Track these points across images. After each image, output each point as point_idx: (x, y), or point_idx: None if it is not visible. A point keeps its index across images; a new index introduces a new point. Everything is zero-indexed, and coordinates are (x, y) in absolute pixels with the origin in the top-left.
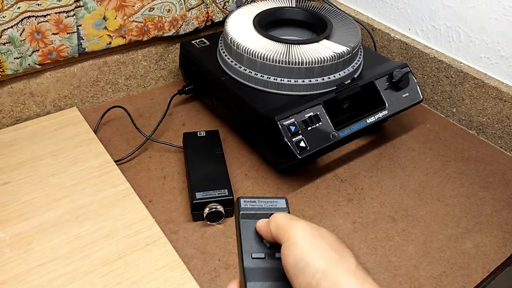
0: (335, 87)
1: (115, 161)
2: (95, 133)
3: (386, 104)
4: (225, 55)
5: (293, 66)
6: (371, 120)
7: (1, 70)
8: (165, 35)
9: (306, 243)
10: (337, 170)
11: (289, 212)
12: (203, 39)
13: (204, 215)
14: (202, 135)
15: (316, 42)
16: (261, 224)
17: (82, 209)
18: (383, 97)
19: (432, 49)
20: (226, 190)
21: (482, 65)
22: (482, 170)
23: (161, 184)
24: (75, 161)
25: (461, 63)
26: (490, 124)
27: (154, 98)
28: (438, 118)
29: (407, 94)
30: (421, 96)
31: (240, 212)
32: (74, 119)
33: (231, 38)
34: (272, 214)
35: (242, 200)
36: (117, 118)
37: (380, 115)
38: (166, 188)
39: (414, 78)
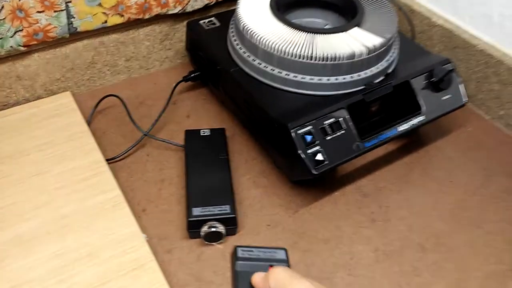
0: (363, 87)
1: (108, 160)
2: (88, 124)
3: (423, 108)
4: (236, 44)
5: (318, 62)
6: (403, 127)
7: None
8: (170, 12)
9: None
10: (360, 181)
11: (288, 265)
12: (212, 19)
13: (202, 235)
14: (206, 134)
15: (345, 31)
16: (258, 279)
17: (65, 219)
18: (420, 99)
19: (481, 40)
20: (228, 206)
21: None
22: None
23: (157, 190)
24: (63, 158)
25: None
26: None
27: (157, 82)
28: (482, 121)
29: (449, 96)
30: (465, 99)
31: (237, 262)
32: (66, 106)
33: (243, 24)
34: (270, 265)
35: (239, 249)
36: (115, 106)
37: (415, 121)
38: (163, 194)
39: (457, 77)
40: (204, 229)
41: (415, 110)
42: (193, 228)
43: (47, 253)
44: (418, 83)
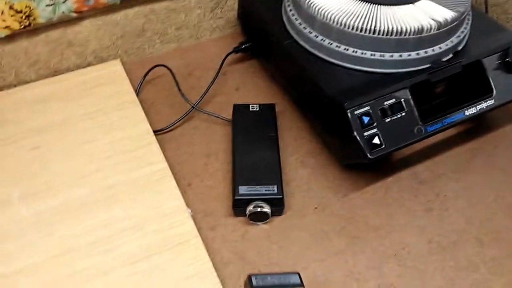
0: (429, 65)
1: (156, 131)
2: (137, 94)
3: (494, 91)
4: (292, 14)
5: (381, 36)
6: (471, 111)
7: (33, 18)
8: None
9: None
10: (416, 167)
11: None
12: None
13: (247, 214)
14: (255, 109)
15: (412, 2)
16: None
17: (112, 189)
18: (491, 81)
19: None
20: (275, 186)
21: None
22: None
23: (203, 164)
24: (111, 128)
25: None
26: None
27: (207, 52)
28: None
29: None
30: None
31: None
32: (115, 74)
33: None
34: None
35: (253, 278)
36: (163, 76)
37: (484, 105)
38: (209, 169)
39: None
40: (250, 208)
41: (486, 92)
42: (238, 206)
43: (94, 222)
44: (491, 62)
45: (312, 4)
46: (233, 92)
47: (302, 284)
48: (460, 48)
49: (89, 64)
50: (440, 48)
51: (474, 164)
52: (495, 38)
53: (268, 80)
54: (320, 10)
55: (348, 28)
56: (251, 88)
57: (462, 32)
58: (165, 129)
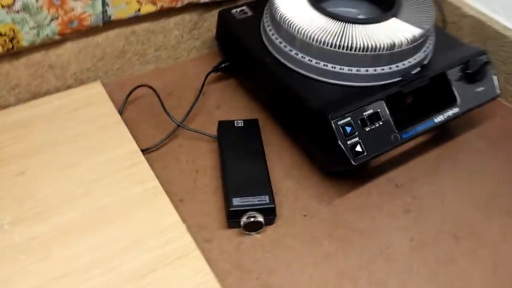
0: (400, 78)
1: (142, 151)
2: (120, 115)
3: (458, 100)
4: (272, 34)
5: (358, 52)
6: (439, 119)
7: (16, 41)
8: (202, 1)
9: None
10: (392, 173)
11: None
12: (244, 8)
13: (241, 224)
14: (239, 125)
15: (383, 21)
16: None
17: (105, 210)
18: (455, 91)
19: None
20: (267, 196)
21: None
22: None
23: (192, 180)
24: (97, 150)
25: None
26: None
27: (186, 72)
28: (510, 113)
29: (482, 88)
30: (498, 91)
31: None
32: (97, 96)
33: (280, 14)
34: None
35: None
36: (145, 96)
37: (451, 113)
38: (198, 185)
39: (492, 69)
40: (244, 219)
41: (451, 101)
42: (233, 218)
43: (90, 244)
44: (454, 74)
45: (292, 24)
46: (214, 110)
47: None
48: (426, 62)
49: (69, 87)
50: (409, 62)
51: (443, 168)
52: (455, 52)
53: (247, 98)
54: (300, 29)
55: (327, 45)
56: (232, 106)
57: (427, 47)
58: (151, 148)
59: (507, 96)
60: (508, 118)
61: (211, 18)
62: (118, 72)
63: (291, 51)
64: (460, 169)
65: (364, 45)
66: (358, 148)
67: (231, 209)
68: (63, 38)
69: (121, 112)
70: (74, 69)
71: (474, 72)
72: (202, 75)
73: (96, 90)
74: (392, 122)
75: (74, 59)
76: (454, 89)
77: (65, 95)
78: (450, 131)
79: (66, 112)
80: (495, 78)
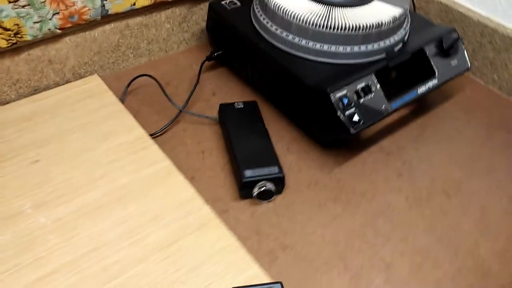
0: (385, 55)
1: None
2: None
3: (436, 73)
4: (266, 22)
5: (350, 32)
6: (422, 90)
7: (20, 36)
8: None
9: None
10: (382, 142)
11: None
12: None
13: (254, 194)
14: (240, 106)
15: (367, 3)
16: None
17: (124, 189)
18: (433, 65)
19: (476, 12)
20: (276, 167)
21: None
22: None
23: (200, 160)
24: (107, 136)
25: (508, 28)
26: None
27: (178, 64)
28: (478, 85)
29: (456, 61)
30: (469, 64)
31: None
32: (97, 88)
33: (274, 2)
34: None
35: None
36: (143, 87)
37: (431, 84)
38: (207, 164)
39: (462, 44)
40: (256, 189)
41: (430, 74)
42: (246, 188)
43: (114, 220)
44: (431, 50)
45: (288, 11)
46: (211, 97)
47: None
48: (406, 39)
49: (67, 81)
50: (394, 39)
51: (426, 135)
52: (429, 31)
53: (240, 84)
54: (295, 15)
55: (322, 28)
56: (227, 92)
57: (406, 25)
58: (156, 133)
59: (474, 71)
60: (476, 90)
61: (199, 12)
62: (113, 66)
63: (288, 36)
64: (441, 135)
65: (355, 25)
66: (355, 118)
67: (244, 180)
68: (62, 33)
69: (122, 102)
70: (72, 63)
71: (447, 48)
72: (194, 66)
73: (95, 83)
74: (382, 94)
75: (72, 53)
76: (432, 63)
77: (66, 88)
78: (429, 104)
79: (69, 104)
80: (465, 52)
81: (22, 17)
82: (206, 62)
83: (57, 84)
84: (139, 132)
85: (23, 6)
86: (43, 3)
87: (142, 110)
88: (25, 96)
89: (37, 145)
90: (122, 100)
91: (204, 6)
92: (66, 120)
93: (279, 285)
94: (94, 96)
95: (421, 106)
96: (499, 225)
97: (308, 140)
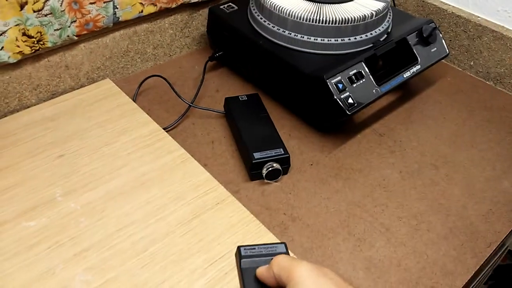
0: (372, 45)
1: None
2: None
3: (419, 59)
4: (264, 21)
5: (341, 25)
6: (407, 75)
7: (42, 43)
8: (193, 1)
9: (311, 282)
10: (374, 125)
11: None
12: (230, 3)
13: (264, 174)
14: (244, 99)
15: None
16: (261, 270)
17: (145, 176)
18: (415, 52)
19: (449, 5)
20: (281, 149)
21: (499, 19)
22: (505, 117)
23: (210, 149)
24: (124, 131)
25: (479, 17)
26: (507, 74)
27: (182, 66)
28: (456, 72)
29: (435, 48)
30: (447, 50)
31: (241, 260)
32: (110, 90)
33: (271, 3)
34: (272, 259)
35: (242, 249)
36: (151, 88)
37: (414, 69)
38: (217, 152)
39: (440, 33)
40: (265, 169)
41: (413, 60)
42: (255, 169)
43: (139, 202)
44: (412, 39)
45: (283, 9)
46: (215, 93)
47: (287, 253)
48: (389, 30)
49: (82, 86)
50: (379, 30)
51: (413, 118)
52: (409, 23)
53: (241, 81)
54: (291, 13)
55: (316, 22)
56: (229, 88)
57: (389, 18)
58: (168, 128)
59: (451, 59)
60: (455, 76)
61: (199, 18)
62: (123, 70)
63: (284, 32)
64: (427, 116)
65: (344, 18)
66: (350, 100)
67: (254, 161)
68: (78, 40)
69: (134, 101)
70: (87, 68)
71: (427, 36)
72: (196, 67)
73: (108, 86)
74: (372, 79)
75: (86, 59)
76: (414, 50)
77: (81, 92)
78: (414, 90)
79: (86, 105)
80: (443, 40)
81: (45, 25)
82: (209, 63)
83: (73, 88)
84: (153, 127)
85: (46, 15)
86: (63, 12)
87: (153, 108)
88: (45, 100)
89: (61, 142)
90: (134, 100)
91: (203, 12)
92: (85, 119)
93: (283, 245)
94: (108, 97)
95: (407, 92)
96: (483, 191)
97: (308, 126)
